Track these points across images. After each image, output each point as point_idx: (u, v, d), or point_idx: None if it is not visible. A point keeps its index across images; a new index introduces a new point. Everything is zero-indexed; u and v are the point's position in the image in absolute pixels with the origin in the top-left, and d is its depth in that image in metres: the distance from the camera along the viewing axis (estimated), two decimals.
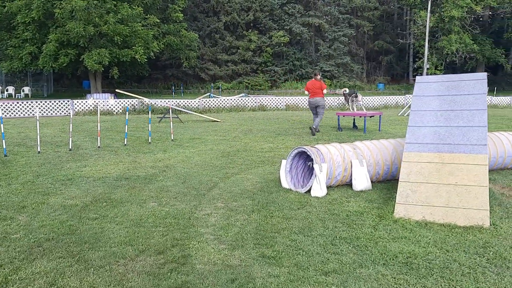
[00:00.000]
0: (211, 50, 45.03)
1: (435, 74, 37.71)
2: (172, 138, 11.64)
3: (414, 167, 5.38)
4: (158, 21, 29.71)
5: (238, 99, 22.15)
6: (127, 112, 11.16)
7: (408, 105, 20.55)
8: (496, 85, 39.19)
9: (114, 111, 19.68)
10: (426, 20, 34.36)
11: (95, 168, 7.81)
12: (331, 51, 44.27)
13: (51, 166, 7.85)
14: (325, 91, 12.85)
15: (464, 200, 4.85)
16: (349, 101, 13.61)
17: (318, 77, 13.13)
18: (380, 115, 13.45)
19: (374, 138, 11.43)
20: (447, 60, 37.85)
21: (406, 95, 24.82)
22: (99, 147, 10.17)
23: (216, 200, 5.64)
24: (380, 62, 49.45)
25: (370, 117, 13.09)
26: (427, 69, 35.08)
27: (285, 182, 6.31)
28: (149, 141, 11.10)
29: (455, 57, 36.74)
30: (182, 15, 33.22)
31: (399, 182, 5.27)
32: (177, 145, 10.73)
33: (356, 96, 13.57)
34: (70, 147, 9.82)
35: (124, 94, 18.19)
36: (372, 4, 46.88)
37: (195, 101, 20.85)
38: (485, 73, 6.34)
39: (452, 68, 44.43)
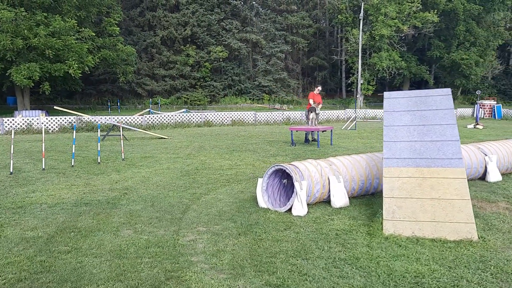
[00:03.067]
0: (147, 64, 43.95)
1: (367, 89, 39.63)
2: (123, 157, 10.98)
3: (396, 182, 5.40)
4: (94, 34, 28.40)
5: (182, 115, 21.63)
6: (74, 131, 10.36)
7: (350, 119, 21.25)
8: None
9: (50, 129, 18.36)
10: (358, 38, 36.06)
11: (46, 193, 7.10)
12: (268, 67, 44.97)
13: None
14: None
15: (449, 214, 4.92)
16: (310, 116, 13.77)
17: (319, 89, 14.43)
18: (331, 130, 13.69)
19: (335, 153, 11.62)
20: (379, 76, 39.90)
21: (347, 109, 25.71)
22: (43, 169, 9.32)
23: (196, 224, 5.28)
24: (315, 77, 51.07)
25: (323, 131, 13.28)
26: (361, 84, 36.72)
27: (262, 202, 6.09)
28: (98, 161, 10.39)
29: (386, 73, 38.83)
30: (118, 28, 32.09)
31: (383, 198, 5.25)
32: (129, 164, 10.13)
33: (315, 112, 13.79)
34: (11, 170, 8.89)
35: (61, 110, 17.02)
36: (306, 22, 48.48)
37: (134, 117, 20.03)
38: (449, 89, 6.59)
39: (381, 83, 46.99)
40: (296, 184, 5.67)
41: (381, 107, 38.51)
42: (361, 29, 35.46)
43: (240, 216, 5.65)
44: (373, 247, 4.50)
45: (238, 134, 17.51)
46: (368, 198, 6.62)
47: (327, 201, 6.25)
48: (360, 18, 35.37)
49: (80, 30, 28.18)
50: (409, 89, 48.10)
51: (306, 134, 13.99)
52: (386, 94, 6.87)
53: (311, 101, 13.95)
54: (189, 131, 19.28)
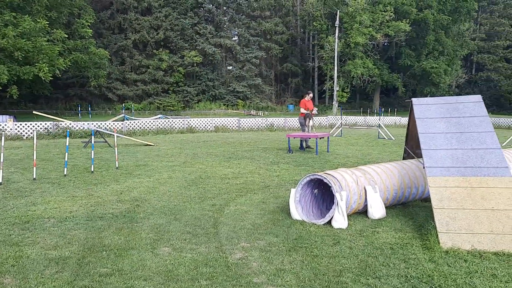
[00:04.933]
0: (119, 68, 42.71)
1: (342, 96, 40.01)
2: (116, 165, 10.33)
3: (444, 192, 5.16)
4: (66, 36, 27.22)
5: (164, 121, 20.93)
6: (67, 137, 9.63)
7: (336, 126, 21.20)
8: (390, 107, 42.74)
9: (24, 135, 17.28)
10: (334, 45, 36.38)
11: (49, 206, 6.45)
12: (243, 72, 44.69)
13: None
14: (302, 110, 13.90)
15: (507, 225, 4.71)
16: (307, 123, 13.54)
17: (309, 96, 14.15)
18: (328, 137, 13.49)
19: (335, 160, 11.37)
20: (353, 83, 40.40)
21: (329, 116, 25.71)
22: (34, 179, 8.57)
23: (237, 240, 4.85)
24: (289, 84, 51.20)
25: (320, 138, 13.05)
26: (337, 91, 37.02)
27: (296, 214, 5.71)
28: (92, 170, 9.70)
29: (360, 80, 39.35)
30: (91, 30, 30.95)
31: (433, 209, 4.99)
32: (125, 173, 9.51)
33: (311, 118, 13.58)
34: (0, 181, 8.11)
35: (41, 115, 16.03)
36: (280, 28, 48.56)
37: (108, 123, 19.14)
38: (480, 96, 6.45)
39: (353, 91, 47.62)
40: (337, 195, 5.33)
41: (356, 113, 38.95)
42: (336, 37, 35.79)
43: (279, 229, 5.25)
44: (438, 263, 4.21)
45: (226, 141, 17.04)
46: (400, 208, 6.37)
47: (361, 212, 5.94)
48: (336, 25, 35.70)
49: (51, 31, 26.96)
50: (380, 96, 49.05)
51: (301, 141, 13.72)
52: (415, 100, 6.67)
53: (302, 110, 13.76)
54: (173, 137, 18.63)
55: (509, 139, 17.34)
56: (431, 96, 47.48)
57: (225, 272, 3.92)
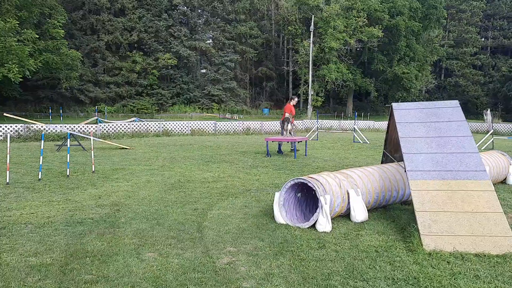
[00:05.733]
0: (91, 70, 41.90)
1: (317, 100, 40.43)
2: (93, 169, 10.09)
3: (426, 195, 5.27)
4: (37, 36, 26.50)
5: (139, 124, 20.62)
6: (42, 140, 9.35)
7: (312, 130, 21.38)
8: (363, 111, 43.53)
9: None
10: (309, 50, 36.75)
11: (25, 211, 6.25)
12: (218, 76, 44.59)
13: None
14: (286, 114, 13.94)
15: (486, 227, 4.85)
16: (285, 126, 13.60)
17: (295, 100, 14.19)
18: (306, 140, 13.59)
19: (314, 163, 11.46)
20: (327, 88, 40.91)
21: (304, 120, 25.92)
22: (7, 183, 8.29)
23: (223, 244, 4.81)
24: (263, 87, 51.41)
25: (298, 142, 13.13)
26: (311, 95, 37.38)
27: (280, 217, 5.72)
28: (68, 174, 9.45)
29: (334, 85, 39.89)
30: (63, 31, 30.23)
31: (416, 212, 5.10)
32: (103, 177, 9.31)
33: (289, 123, 13.66)
34: None
35: (12, 118, 15.53)
36: (254, 32, 48.73)
37: (81, 126, 18.71)
38: (457, 101, 6.65)
39: (327, 95, 48.24)
40: (321, 198, 5.36)
41: (330, 118, 39.44)
42: (311, 41, 36.17)
43: (264, 233, 5.24)
44: (423, 264, 4.29)
45: (203, 144, 16.94)
46: (382, 211, 6.47)
47: (344, 215, 6.01)
48: (310, 30, 36.08)
49: (21, 31, 26.21)
50: (353, 101, 49.86)
51: (279, 144, 13.77)
52: (395, 105, 6.80)
53: (287, 114, 13.75)
54: (149, 141, 18.38)
55: (480, 142, 17.89)
56: (402, 101, 48.60)
57: (214, 277, 3.87)
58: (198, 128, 21.80)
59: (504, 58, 62.69)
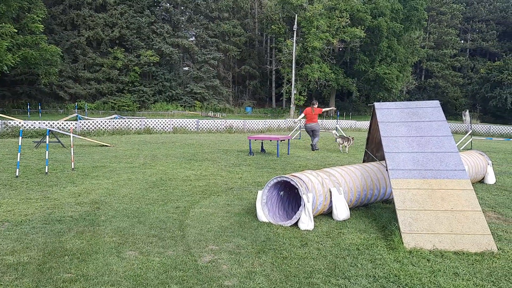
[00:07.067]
0: (71, 66, 41.19)
1: (299, 99, 40.59)
2: (72, 166, 9.91)
3: (407, 194, 5.33)
4: (15, 30, 25.90)
5: (120, 122, 20.34)
6: (20, 137, 9.12)
7: (295, 129, 21.43)
8: (345, 111, 43.91)
9: None
10: (292, 49, 36.85)
11: (2, 208, 6.10)
12: (201, 73, 44.34)
13: None
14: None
15: (465, 225, 4.92)
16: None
17: (316, 105, 14.66)
18: (289, 139, 13.61)
19: (296, 162, 11.48)
20: (310, 87, 41.09)
21: (287, 118, 25.98)
22: None
23: (205, 242, 4.77)
24: (246, 86, 51.35)
25: (281, 141, 13.14)
26: (294, 94, 37.50)
27: (263, 216, 5.70)
28: (46, 171, 9.26)
29: (316, 84, 40.09)
30: (42, 26, 29.61)
31: (397, 210, 5.15)
32: (82, 175, 9.15)
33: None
34: None
35: None
36: (238, 30, 48.62)
37: (60, 122, 18.37)
38: (438, 101, 6.74)
39: (310, 94, 48.48)
40: (304, 197, 5.37)
41: None
42: (294, 40, 36.28)
43: (246, 231, 5.22)
44: (403, 262, 4.33)
45: (186, 142, 16.82)
46: (363, 210, 6.51)
47: (326, 214, 6.03)
48: (294, 29, 36.18)
49: (1, 25, 25.57)
50: (335, 100, 50.23)
51: (262, 143, 13.76)
52: (377, 104, 6.86)
53: (302, 115, 15.05)
54: (130, 138, 18.16)
55: (459, 143, 18.22)
56: (383, 101, 49.21)
57: (196, 276, 3.84)
58: (180, 126, 21.63)
59: (482, 60, 64.03)
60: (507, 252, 4.67)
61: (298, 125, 20.99)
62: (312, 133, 14.84)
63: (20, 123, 17.06)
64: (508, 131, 29.15)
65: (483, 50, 65.85)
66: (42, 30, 29.82)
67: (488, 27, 65.29)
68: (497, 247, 4.74)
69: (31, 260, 4.08)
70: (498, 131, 29.49)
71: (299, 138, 20.06)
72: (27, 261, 4.05)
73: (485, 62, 61.21)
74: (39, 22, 29.33)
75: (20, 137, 9.26)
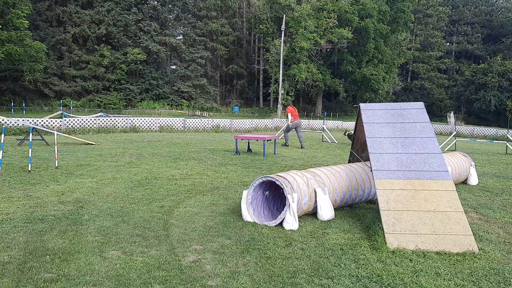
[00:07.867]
0: (56, 63, 40.64)
1: (287, 99, 40.66)
2: (56, 165, 9.78)
3: (390, 194, 5.37)
4: (0, 26, 25.47)
5: (106, 120, 20.14)
6: (2, 135, 8.97)
7: (282, 129, 21.45)
8: (332, 111, 44.12)
9: None
10: (280, 49, 36.92)
11: None
12: (188, 72, 44.14)
13: None
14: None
15: (447, 226, 4.98)
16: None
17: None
18: (275, 139, 13.63)
19: (282, 162, 11.50)
20: (297, 87, 41.20)
21: (274, 118, 26.01)
22: None
23: (189, 242, 4.75)
24: (234, 85, 51.27)
25: (267, 140, 13.15)
26: (282, 94, 37.56)
27: (248, 216, 5.70)
28: (29, 169, 9.12)
29: (304, 84, 40.22)
30: (27, 22, 29.16)
31: (380, 211, 5.18)
32: (66, 173, 9.03)
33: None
34: None
35: None
36: (226, 29, 48.53)
37: (45, 120, 18.11)
38: (422, 103, 6.81)
39: (297, 94, 48.62)
40: (289, 197, 5.38)
41: (299, 117, 39.65)
42: (282, 40, 36.35)
43: (231, 231, 5.21)
44: (386, 262, 4.37)
45: (172, 141, 16.73)
46: (348, 210, 6.55)
47: (311, 214, 6.05)
48: (282, 29, 36.25)
49: None
50: (322, 101, 50.47)
51: (248, 142, 13.75)
52: (362, 105, 6.90)
53: (289, 115, 16.00)
54: (115, 136, 17.99)
55: (443, 144, 18.45)
56: (370, 102, 49.61)
57: (179, 276, 3.82)
58: (167, 125, 21.51)
59: (467, 62, 64.93)
60: (488, 252, 4.74)
61: (286, 124, 21.01)
62: (297, 129, 16.11)
63: (3, 120, 16.79)
64: (491, 132, 29.63)
65: (468, 53, 66.79)
66: (27, 26, 29.40)
67: (473, 30, 66.24)
68: (478, 247, 4.80)
69: (12, 260, 4.01)
70: (481, 133, 29.96)
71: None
72: (7, 261, 3.98)
73: (470, 65, 62.09)
74: (24, 18, 28.91)
75: (3, 135, 9.12)
